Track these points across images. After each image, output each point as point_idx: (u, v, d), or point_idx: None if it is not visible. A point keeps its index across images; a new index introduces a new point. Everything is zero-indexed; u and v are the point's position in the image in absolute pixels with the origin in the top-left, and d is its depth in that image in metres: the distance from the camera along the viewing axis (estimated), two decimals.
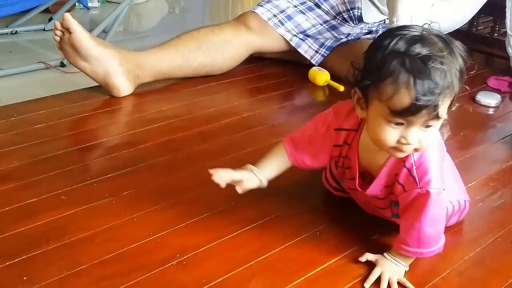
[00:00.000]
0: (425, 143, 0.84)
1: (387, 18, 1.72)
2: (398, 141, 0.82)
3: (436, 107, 0.78)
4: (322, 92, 1.76)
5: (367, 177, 0.97)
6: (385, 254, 0.95)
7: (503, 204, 1.20)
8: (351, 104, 0.90)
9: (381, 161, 0.92)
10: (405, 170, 0.89)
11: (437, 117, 0.80)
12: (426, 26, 0.83)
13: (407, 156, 0.88)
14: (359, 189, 0.98)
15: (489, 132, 1.59)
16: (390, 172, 0.92)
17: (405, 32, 0.80)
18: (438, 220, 0.92)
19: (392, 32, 0.82)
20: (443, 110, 0.80)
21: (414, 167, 0.89)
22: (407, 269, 0.95)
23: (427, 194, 0.89)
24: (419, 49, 0.78)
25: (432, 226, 0.91)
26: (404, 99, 0.78)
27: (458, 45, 0.83)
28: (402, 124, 0.81)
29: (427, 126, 0.82)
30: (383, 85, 0.79)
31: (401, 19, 1.48)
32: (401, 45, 0.79)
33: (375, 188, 0.96)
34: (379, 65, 0.80)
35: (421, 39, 0.79)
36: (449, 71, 0.79)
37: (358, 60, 0.86)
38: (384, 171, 0.92)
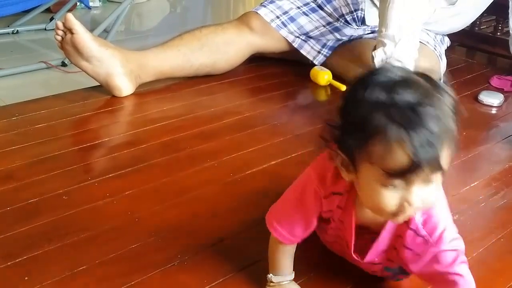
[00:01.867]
0: (429, 201, 0.72)
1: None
2: (400, 205, 0.70)
3: (437, 157, 0.67)
4: (324, 91, 1.75)
5: (363, 242, 0.84)
6: None
7: (506, 204, 1.20)
8: (333, 163, 0.76)
9: (381, 220, 0.80)
10: (410, 231, 0.78)
11: (440, 169, 0.68)
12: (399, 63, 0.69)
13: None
14: (355, 257, 0.86)
15: (492, 131, 1.59)
16: (392, 235, 0.80)
17: (381, 78, 0.69)
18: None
19: (367, 80, 0.70)
20: (445, 160, 0.69)
21: (421, 225, 0.77)
22: None
23: (443, 253, 0.77)
24: (404, 95, 0.66)
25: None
26: (399, 157, 0.66)
27: (441, 80, 0.72)
28: (401, 185, 0.69)
29: (429, 182, 0.69)
30: (371, 145, 0.67)
31: (390, 29, 1.47)
32: (381, 94, 0.67)
33: (373, 254, 0.84)
34: (360, 122, 0.68)
35: (402, 82, 0.68)
36: (443, 114, 0.67)
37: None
38: (384, 235, 0.80)
